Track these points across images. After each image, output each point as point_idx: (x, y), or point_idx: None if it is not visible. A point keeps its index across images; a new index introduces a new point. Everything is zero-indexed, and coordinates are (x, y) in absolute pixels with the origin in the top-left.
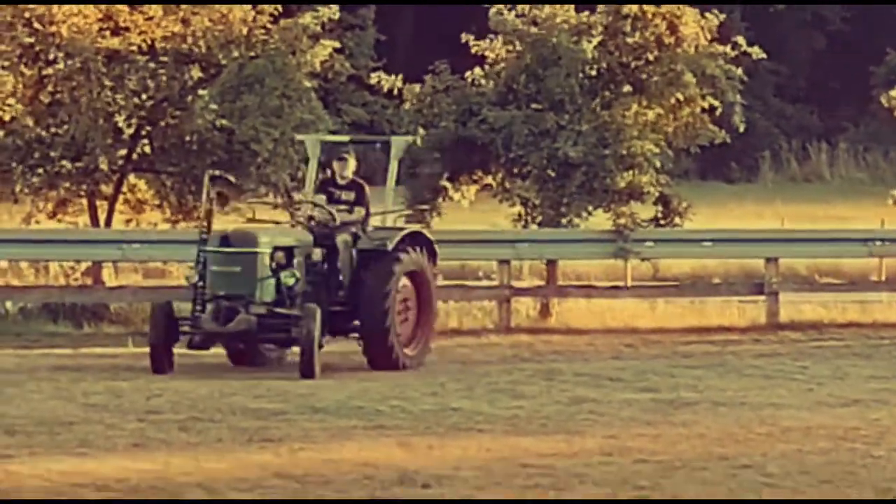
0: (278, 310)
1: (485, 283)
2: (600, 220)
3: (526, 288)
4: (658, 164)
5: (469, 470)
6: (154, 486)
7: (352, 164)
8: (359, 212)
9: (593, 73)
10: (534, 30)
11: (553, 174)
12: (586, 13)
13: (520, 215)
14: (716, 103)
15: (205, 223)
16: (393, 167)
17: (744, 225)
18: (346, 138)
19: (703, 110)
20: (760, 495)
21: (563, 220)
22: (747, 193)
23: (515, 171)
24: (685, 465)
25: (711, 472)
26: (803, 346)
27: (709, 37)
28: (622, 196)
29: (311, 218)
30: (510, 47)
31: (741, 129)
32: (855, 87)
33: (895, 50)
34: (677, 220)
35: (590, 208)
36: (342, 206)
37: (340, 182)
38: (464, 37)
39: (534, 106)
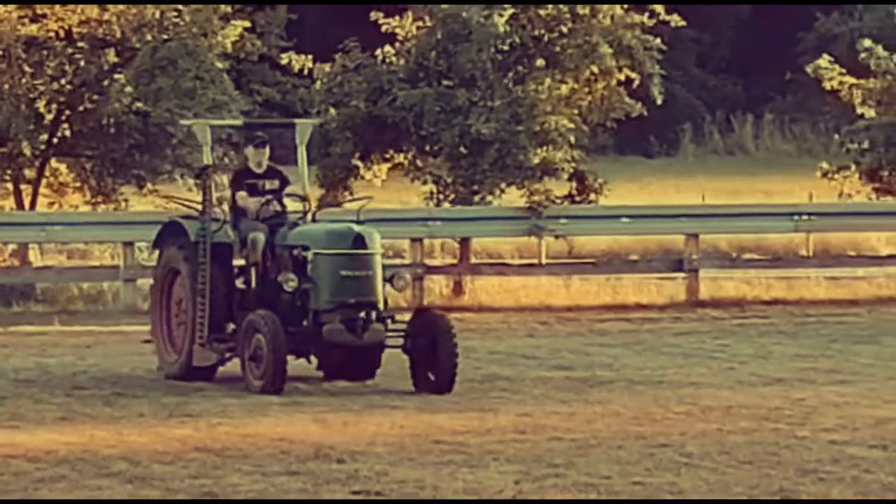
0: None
1: (398, 261)
2: (513, 198)
3: (439, 266)
4: (572, 140)
5: (383, 446)
6: (81, 457)
7: (267, 150)
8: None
9: (505, 47)
10: (444, 5)
11: (465, 151)
12: None
13: (432, 193)
14: (633, 75)
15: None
16: (302, 152)
17: (663, 200)
18: (238, 122)
19: (620, 83)
20: (679, 475)
21: (476, 198)
22: (667, 168)
23: (427, 148)
24: (600, 443)
25: (627, 451)
26: (724, 324)
27: (625, 6)
28: (536, 173)
29: (274, 212)
30: (420, 23)
31: (660, 102)
32: (781, 55)
33: (825, 15)
34: (592, 196)
35: (503, 185)
36: (267, 197)
37: (258, 171)
38: (373, 15)
39: (445, 83)
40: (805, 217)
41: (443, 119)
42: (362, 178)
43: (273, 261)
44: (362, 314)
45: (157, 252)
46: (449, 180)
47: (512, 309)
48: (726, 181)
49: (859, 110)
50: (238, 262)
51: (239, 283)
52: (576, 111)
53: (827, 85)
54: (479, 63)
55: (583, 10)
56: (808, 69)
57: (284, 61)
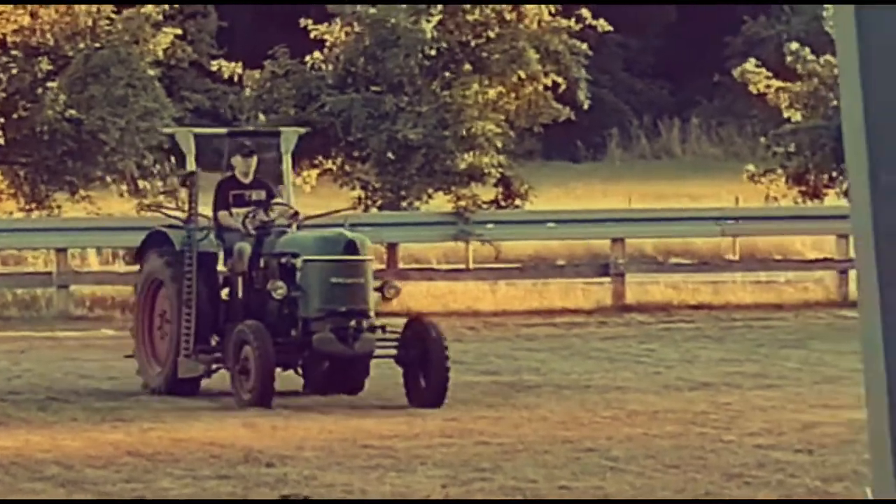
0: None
1: None
2: (441, 203)
3: None
4: (499, 145)
5: (311, 450)
6: (14, 461)
7: (255, 160)
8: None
9: (433, 52)
10: (372, 10)
11: (393, 157)
12: None
13: (360, 199)
14: (560, 80)
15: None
16: (287, 162)
17: (590, 205)
18: (222, 130)
19: (547, 87)
20: (605, 479)
21: (404, 203)
22: (594, 172)
23: (355, 154)
24: (527, 447)
25: (554, 456)
26: (650, 329)
27: (552, 11)
28: (462, 178)
29: (263, 222)
30: (349, 30)
31: (587, 106)
32: (708, 59)
33: (752, 19)
34: (519, 201)
35: (430, 191)
36: (252, 208)
37: (244, 181)
38: (302, 21)
39: (373, 88)
40: (731, 221)
41: (371, 125)
42: (292, 184)
43: (260, 270)
44: (353, 323)
45: (138, 264)
46: (377, 186)
47: (439, 314)
48: (653, 185)
49: (786, 114)
50: (223, 271)
51: (223, 294)
52: (503, 116)
53: (754, 88)
54: (406, 69)
55: (510, 15)
56: (735, 73)
57: (214, 68)
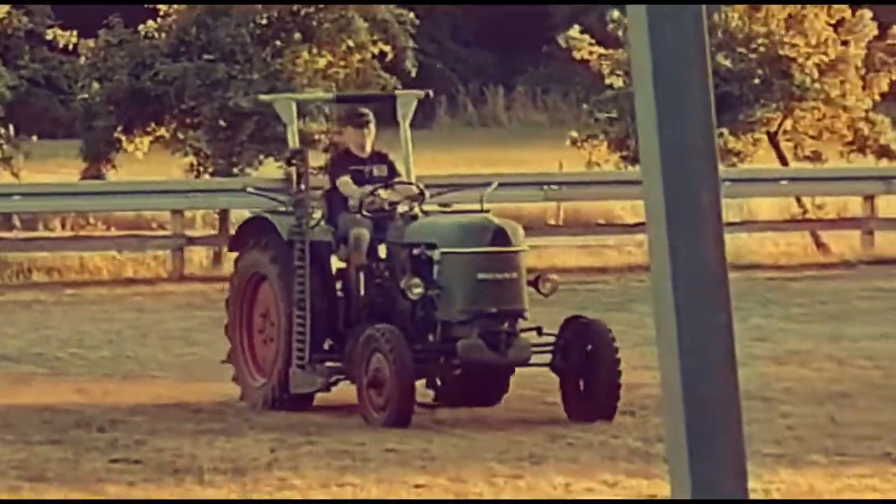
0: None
1: (159, 232)
2: (272, 170)
3: (199, 237)
4: (328, 112)
5: (143, 415)
6: None
7: (373, 130)
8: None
9: (263, 21)
10: None
11: (224, 125)
12: None
13: (192, 165)
14: (387, 49)
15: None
16: (406, 130)
17: (419, 172)
18: (329, 95)
19: (375, 56)
20: (431, 441)
21: (235, 170)
22: (423, 140)
23: (188, 122)
24: (354, 411)
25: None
26: None
27: None
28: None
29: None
30: None
31: (414, 75)
32: (533, 27)
33: None
34: None
35: (261, 157)
36: (375, 186)
37: (361, 154)
38: None
39: (205, 57)
40: (555, 187)
41: (203, 92)
42: (125, 150)
43: (382, 262)
44: (506, 326)
45: (233, 255)
46: (209, 153)
47: None
48: (480, 152)
49: (608, 80)
50: (337, 264)
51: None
52: (333, 84)
53: (577, 55)
54: (238, 37)
55: None
56: (560, 39)
57: (50, 37)
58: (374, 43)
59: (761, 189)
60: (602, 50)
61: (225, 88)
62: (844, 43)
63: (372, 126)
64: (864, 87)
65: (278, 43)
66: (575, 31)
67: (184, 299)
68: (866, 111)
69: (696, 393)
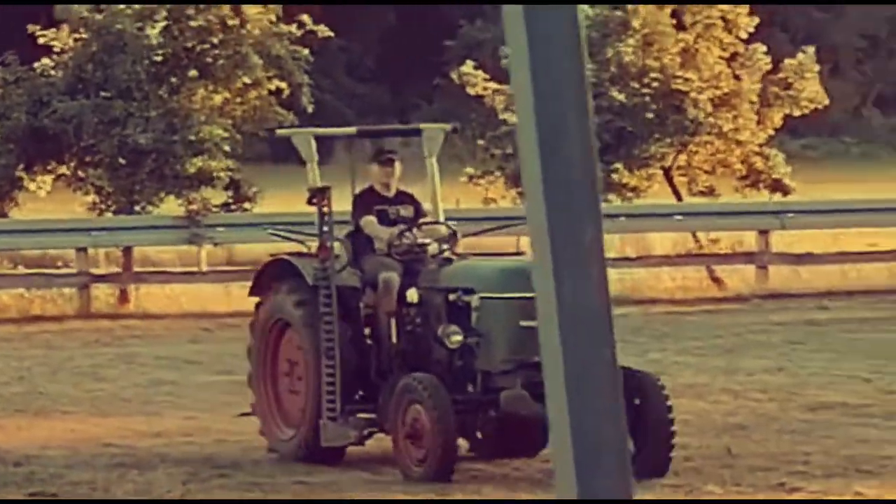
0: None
1: (64, 270)
2: (172, 207)
3: (104, 274)
4: (227, 149)
5: (56, 449)
6: None
7: (399, 168)
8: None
9: (159, 58)
10: (98, 17)
11: (124, 162)
12: None
13: (94, 203)
14: (283, 85)
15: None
16: (433, 167)
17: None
18: (351, 130)
19: (271, 92)
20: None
21: (137, 207)
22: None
23: (88, 159)
24: (263, 445)
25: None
26: None
27: (274, 17)
28: (193, 182)
29: (401, 247)
30: (77, 35)
31: (310, 110)
32: (427, 63)
33: (470, 22)
34: (248, 204)
35: (161, 194)
36: (401, 227)
37: (386, 194)
38: (31, 28)
39: (103, 94)
40: (453, 222)
41: (101, 130)
42: (27, 189)
43: (414, 307)
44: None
45: (255, 300)
46: (110, 190)
47: (175, 315)
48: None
49: (501, 115)
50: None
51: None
52: (230, 121)
53: (472, 90)
54: (133, 74)
55: (232, 21)
56: (454, 75)
57: None
58: (270, 79)
59: (656, 224)
60: (496, 85)
61: (123, 126)
62: (737, 77)
63: (398, 164)
64: (757, 122)
65: (174, 80)
66: (468, 66)
67: (91, 336)
68: (760, 146)
69: (582, 427)
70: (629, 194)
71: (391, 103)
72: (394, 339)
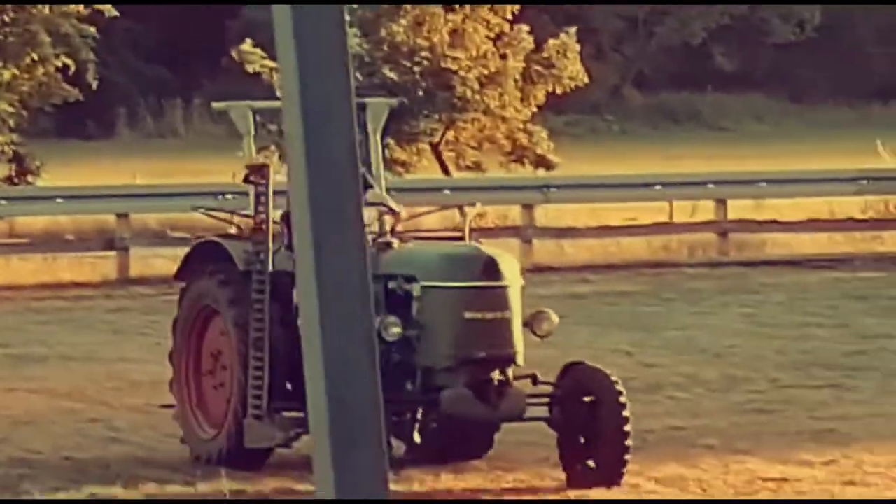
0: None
1: None
2: None
3: None
4: (13, 124)
5: None
6: None
7: None
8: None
9: None
10: None
11: None
12: None
13: None
14: (70, 62)
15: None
16: (376, 142)
17: (99, 182)
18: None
19: (58, 69)
20: (107, 449)
21: None
22: (104, 150)
23: None
24: (34, 419)
25: (60, 426)
26: (153, 301)
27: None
28: None
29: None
30: None
31: (95, 87)
32: (209, 42)
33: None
34: (30, 178)
35: None
36: None
37: None
38: None
39: None
40: (230, 196)
41: None
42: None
43: None
44: (497, 374)
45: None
46: None
47: None
48: (158, 162)
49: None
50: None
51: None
52: (17, 97)
53: (250, 68)
54: None
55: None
56: (234, 54)
57: None
58: (57, 56)
59: (425, 199)
60: (274, 63)
61: None
62: (503, 56)
63: None
64: (522, 99)
65: None
66: (247, 45)
67: None
68: (524, 122)
69: (339, 397)
70: (399, 169)
71: (175, 81)
72: None
